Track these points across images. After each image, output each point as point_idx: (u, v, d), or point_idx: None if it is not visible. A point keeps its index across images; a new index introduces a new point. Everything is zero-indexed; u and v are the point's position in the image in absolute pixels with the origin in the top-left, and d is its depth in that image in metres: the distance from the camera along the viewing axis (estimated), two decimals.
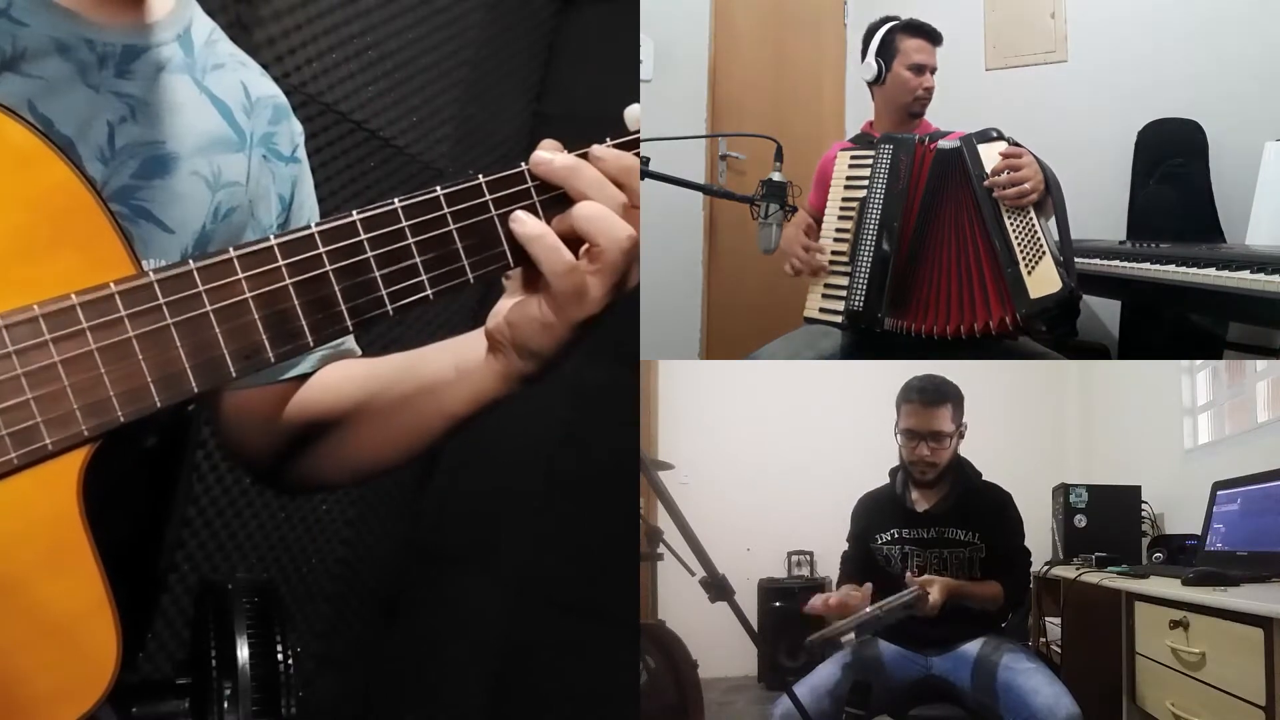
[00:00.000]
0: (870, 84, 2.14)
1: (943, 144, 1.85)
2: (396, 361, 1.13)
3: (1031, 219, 1.77)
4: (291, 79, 2.26)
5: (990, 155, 1.78)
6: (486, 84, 2.78)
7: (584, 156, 0.95)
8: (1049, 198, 1.77)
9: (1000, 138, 1.80)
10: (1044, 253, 1.76)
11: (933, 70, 2.10)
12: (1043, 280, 1.76)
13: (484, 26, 2.75)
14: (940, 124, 2.11)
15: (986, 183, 1.76)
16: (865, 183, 1.90)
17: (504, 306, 0.99)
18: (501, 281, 0.99)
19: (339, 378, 1.17)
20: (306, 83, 2.30)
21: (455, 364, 1.05)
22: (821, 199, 2.01)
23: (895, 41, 2.10)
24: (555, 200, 0.94)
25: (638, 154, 0.97)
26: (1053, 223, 1.81)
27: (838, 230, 1.92)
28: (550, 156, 0.94)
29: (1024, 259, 1.76)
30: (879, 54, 2.11)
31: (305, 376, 1.19)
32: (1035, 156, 1.77)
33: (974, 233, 1.80)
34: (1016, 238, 1.77)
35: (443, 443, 1.10)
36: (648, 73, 2.82)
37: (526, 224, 0.93)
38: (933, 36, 2.12)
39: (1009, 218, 1.77)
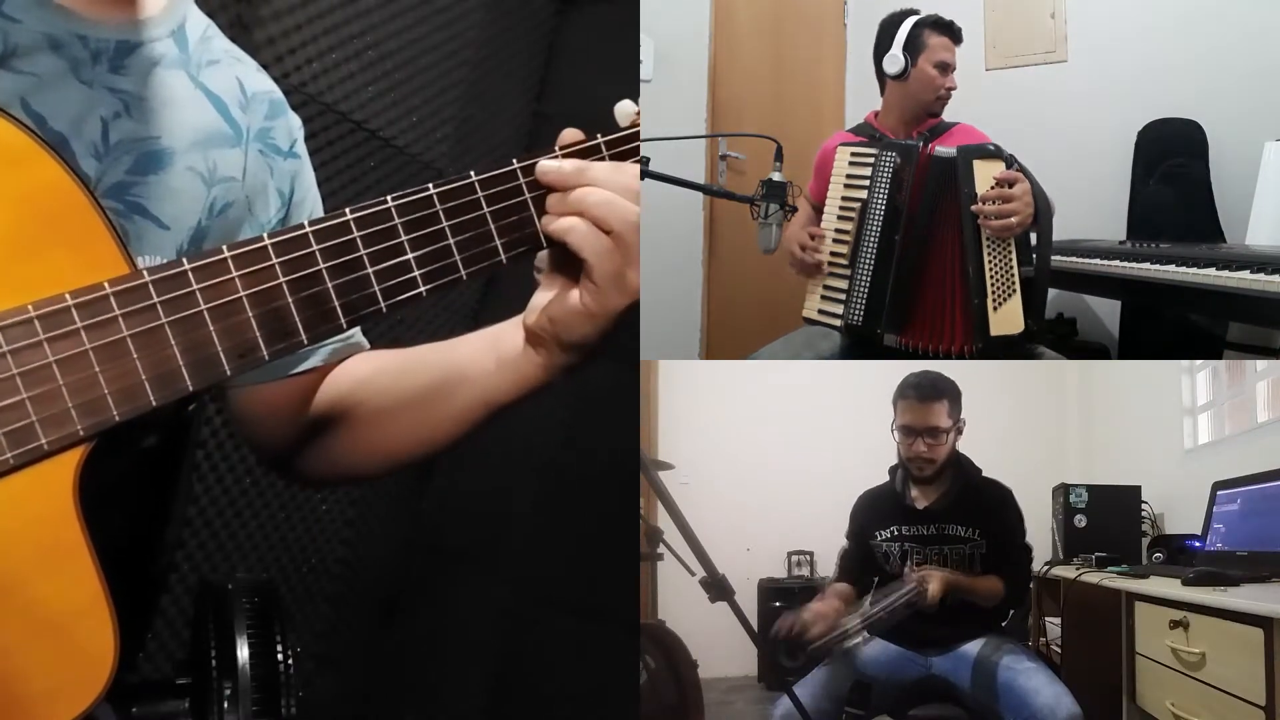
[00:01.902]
0: (893, 78, 2.09)
1: (939, 151, 1.83)
2: (431, 352, 1.15)
3: (1011, 253, 1.76)
4: (291, 79, 2.26)
5: (985, 174, 1.76)
6: (486, 84, 2.79)
7: (581, 154, 0.95)
8: (1036, 227, 1.76)
9: (999, 155, 1.77)
10: (1014, 291, 1.76)
11: (954, 69, 2.07)
12: (1006, 319, 1.77)
13: (484, 26, 2.75)
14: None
15: (974, 207, 1.75)
16: (865, 183, 1.89)
17: (541, 301, 1.01)
18: (535, 276, 1.01)
19: (373, 369, 1.19)
20: (306, 83, 2.30)
21: (496, 355, 1.07)
22: (821, 189, 2.00)
23: (922, 37, 2.06)
24: (546, 198, 0.95)
25: (638, 153, 0.98)
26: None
27: (837, 230, 1.92)
28: (558, 164, 0.95)
29: (993, 292, 1.76)
30: (906, 48, 2.07)
31: (322, 370, 1.20)
32: (1033, 180, 1.75)
33: (954, 254, 1.79)
34: (991, 269, 1.76)
35: (483, 429, 1.13)
36: (648, 73, 2.82)
37: (557, 221, 0.95)
38: (956, 35, 2.09)
39: (988, 246, 1.76)
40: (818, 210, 1.99)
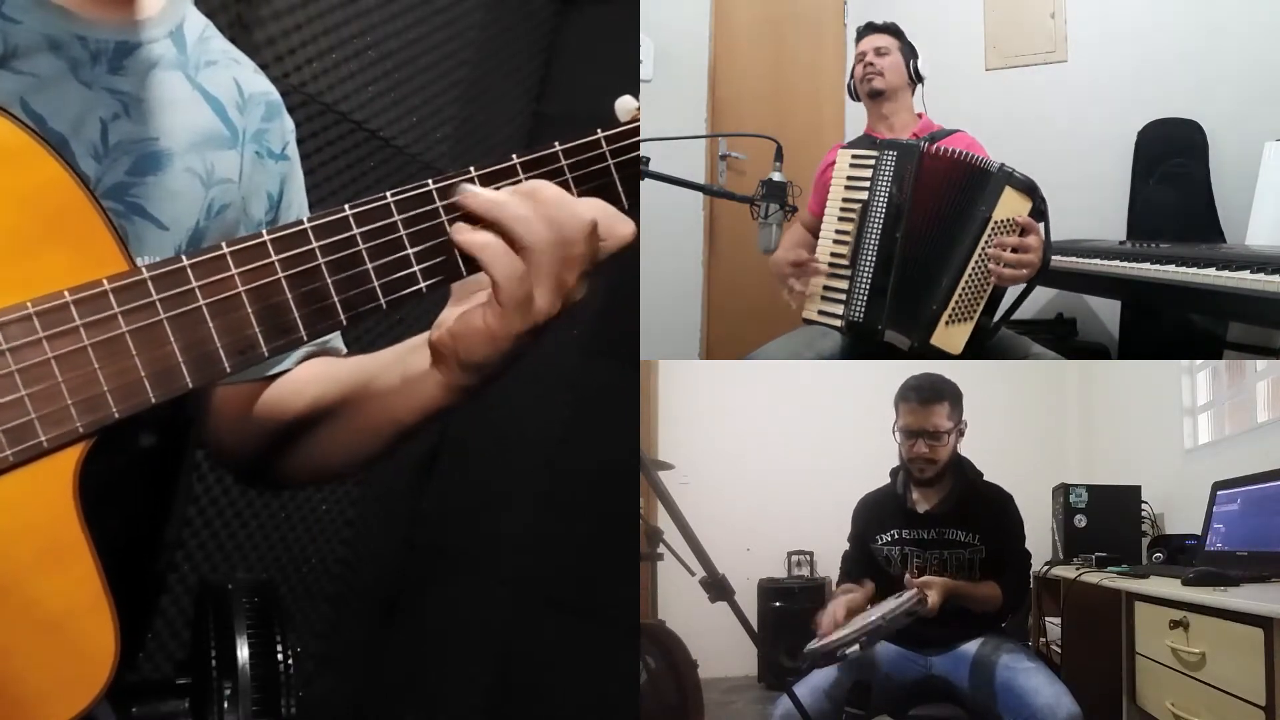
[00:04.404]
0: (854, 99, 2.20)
1: (980, 159, 1.82)
2: (351, 365, 1.11)
3: (988, 287, 1.77)
4: (291, 79, 2.27)
5: (1010, 204, 1.75)
6: (486, 84, 2.79)
7: (581, 149, 0.95)
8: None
9: (1031, 194, 1.76)
10: (971, 319, 1.77)
11: (880, 50, 2.12)
12: (949, 337, 1.78)
13: (484, 26, 2.75)
14: (940, 124, 2.11)
15: (990, 250, 1.74)
16: (866, 184, 1.89)
17: (449, 316, 0.97)
18: (450, 288, 0.98)
19: (306, 377, 1.16)
20: (306, 83, 2.31)
21: (401, 372, 1.03)
22: (820, 204, 2.01)
23: (857, 50, 2.16)
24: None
25: (638, 149, 0.97)
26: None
27: (838, 231, 1.91)
28: (476, 190, 0.91)
29: (953, 309, 1.76)
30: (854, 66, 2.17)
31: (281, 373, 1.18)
32: (1048, 229, 1.75)
33: (942, 256, 1.79)
34: (963, 289, 1.76)
35: (394, 450, 1.09)
36: (648, 73, 2.82)
37: (470, 234, 0.91)
38: (880, 27, 2.15)
39: (972, 266, 1.76)
40: (814, 231, 1.99)
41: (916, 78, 2.12)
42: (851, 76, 2.18)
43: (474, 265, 0.93)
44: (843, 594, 2.07)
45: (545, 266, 0.91)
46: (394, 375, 1.04)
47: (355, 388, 1.08)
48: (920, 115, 2.12)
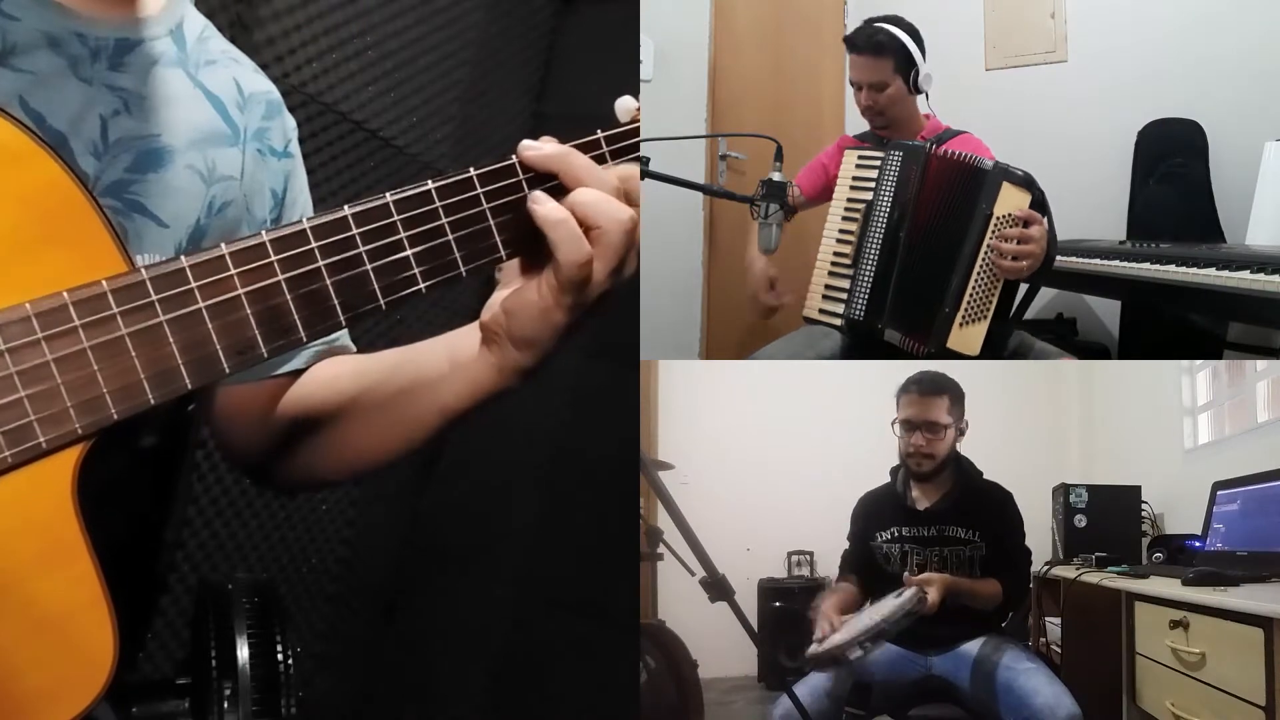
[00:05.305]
0: None
1: (977, 160, 1.82)
2: (391, 356, 1.13)
3: (998, 284, 1.77)
4: (291, 79, 2.27)
5: (1009, 199, 1.75)
6: (486, 84, 2.79)
7: (580, 149, 0.95)
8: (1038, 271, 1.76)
9: (1029, 187, 1.76)
10: (985, 317, 1.76)
11: (874, 84, 1.98)
12: (966, 339, 1.77)
13: (484, 26, 2.75)
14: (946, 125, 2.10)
15: (991, 242, 1.73)
16: (872, 184, 1.89)
17: (498, 298, 0.98)
18: (495, 275, 0.99)
19: (334, 373, 1.17)
20: (306, 83, 2.31)
21: (450, 357, 1.04)
22: (813, 185, 2.00)
23: (850, 68, 2.06)
24: (547, 192, 0.94)
25: (638, 150, 0.97)
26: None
27: (841, 231, 1.92)
28: (540, 144, 0.94)
29: (966, 309, 1.76)
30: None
31: (298, 373, 1.19)
32: (1050, 220, 1.74)
33: (949, 258, 1.79)
34: (974, 288, 1.76)
35: (438, 436, 1.10)
36: (648, 73, 2.82)
37: (549, 206, 0.92)
38: (857, 46, 1.99)
39: (980, 265, 1.76)
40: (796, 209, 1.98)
41: (917, 90, 2.00)
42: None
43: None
44: (832, 594, 2.07)
45: (615, 245, 0.92)
46: (441, 362, 1.05)
47: (396, 377, 1.09)
48: (928, 117, 2.08)
